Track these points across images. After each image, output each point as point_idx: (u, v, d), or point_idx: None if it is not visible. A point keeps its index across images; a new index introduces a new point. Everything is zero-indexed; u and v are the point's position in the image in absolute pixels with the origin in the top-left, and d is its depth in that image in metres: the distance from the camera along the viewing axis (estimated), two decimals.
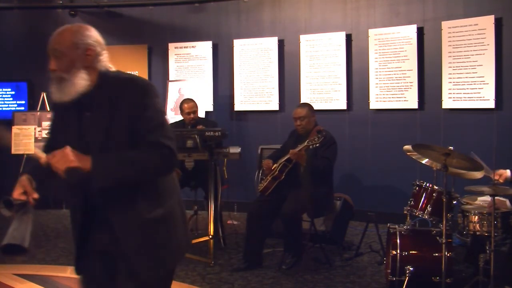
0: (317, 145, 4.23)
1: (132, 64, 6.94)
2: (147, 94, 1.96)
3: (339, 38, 6.21)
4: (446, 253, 3.45)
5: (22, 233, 1.88)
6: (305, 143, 4.26)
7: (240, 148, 4.78)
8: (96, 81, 1.97)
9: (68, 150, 1.84)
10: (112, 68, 2.06)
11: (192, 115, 5.22)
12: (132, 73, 2.21)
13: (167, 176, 2.07)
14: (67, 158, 1.82)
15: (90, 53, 1.97)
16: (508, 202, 3.88)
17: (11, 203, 1.88)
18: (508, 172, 3.61)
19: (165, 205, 2.03)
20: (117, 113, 1.93)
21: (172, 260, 2.12)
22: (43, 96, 6.82)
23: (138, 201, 1.97)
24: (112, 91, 1.95)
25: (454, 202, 3.76)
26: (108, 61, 2.05)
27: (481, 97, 5.33)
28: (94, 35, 2.00)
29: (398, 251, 3.65)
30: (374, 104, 6.04)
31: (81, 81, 1.94)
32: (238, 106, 6.75)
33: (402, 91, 5.85)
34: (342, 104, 6.21)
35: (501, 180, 3.56)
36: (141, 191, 1.98)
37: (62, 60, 1.94)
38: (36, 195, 1.92)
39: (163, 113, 2.04)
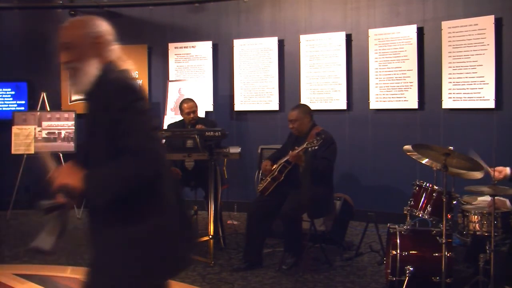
0: (316, 147, 4.23)
1: (132, 64, 6.89)
2: (125, 95, 1.86)
3: (339, 38, 6.21)
4: (446, 253, 3.45)
5: (45, 236, 1.93)
6: (304, 145, 4.26)
7: (240, 148, 4.78)
8: (100, 73, 1.95)
9: (66, 166, 1.83)
10: (123, 63, 2.03)
11: (192, 115, 5.21)
12: (133, 73, 2.17)
13: (158, 188, 1.93)
14: (63, 175, 1.80)
15: (100, 40, 1.96)
16: (508, 202, 3.88)
17: (44, 206, 1.92)
18: (508, 169, 3.60)
19: (147, 223, 1.89)
20: (99, 114, 1.88)
21: (151, 279, 1.94)
22: (43, 96, 6.82)
23: (114, 218, 1.88)
24: (101, 90, 1.91)
25: (454, 202, 3.75)
26: (118, 54, 2.03)
27: (481, 97, 5.33)
28: (103, 24, 2.01)
29: (398, 251, 3.65)
30: (374, 104, 6.04)
31: (93, 69, 1.93)
32: (238, 106, 6.75)
33: (402, 91, 5.85)
34: (342, 104, 6.21)
35: (501, 176, 3.54)
36: (119, 209, 1.86)
37: (73, 51, 1.93)
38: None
39: (144, 114, 1.89)
